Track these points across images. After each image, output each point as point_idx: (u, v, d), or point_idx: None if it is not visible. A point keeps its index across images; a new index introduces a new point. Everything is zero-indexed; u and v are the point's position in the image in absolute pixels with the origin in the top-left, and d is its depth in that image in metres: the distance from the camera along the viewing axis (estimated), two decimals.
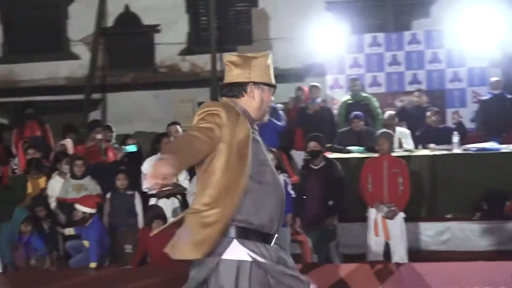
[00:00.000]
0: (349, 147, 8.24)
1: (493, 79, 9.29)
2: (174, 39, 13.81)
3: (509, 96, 9.17)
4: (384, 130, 6.71)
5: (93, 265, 6.21)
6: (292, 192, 6.42)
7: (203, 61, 13.84)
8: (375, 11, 13.19)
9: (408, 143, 8.58)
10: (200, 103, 13.80)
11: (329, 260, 6.43)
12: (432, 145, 8.01)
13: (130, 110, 13.38)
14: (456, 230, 7.69)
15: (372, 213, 6.23)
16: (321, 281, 5.32)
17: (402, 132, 8.67)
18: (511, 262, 6.23)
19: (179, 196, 6.89)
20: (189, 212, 2.90)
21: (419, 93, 9.17)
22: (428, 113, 8.49)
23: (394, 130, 8.64)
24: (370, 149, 8.07)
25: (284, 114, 8.77)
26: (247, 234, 2.81)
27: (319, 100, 9.13)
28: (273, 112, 8.67)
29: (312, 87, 9.21)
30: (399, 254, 6.14)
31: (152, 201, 6.79)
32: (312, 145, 6.31)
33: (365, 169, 6.39)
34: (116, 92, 13.88)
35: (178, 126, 7.60)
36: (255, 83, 2.97)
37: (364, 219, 6.50)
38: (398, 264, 5.95)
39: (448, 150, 7.96)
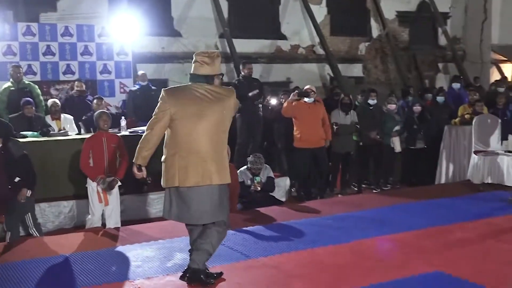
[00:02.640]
0: (22, 132, 8.39)
1: (140, 72, 10.62)
2: None
3: (154, 87, 10.67)
4: (102, 110, 7.28)
5: None
6: None
7: None
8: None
9: (73, 128, 9.22)
10: None
11: (29, 234, 6.73)
12: None
13: None
14: (129, 201, 8.75)
15: (93, 185, 6.80)
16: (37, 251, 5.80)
17: (67, 118, 9.28)
18: None
19: None
20: None
21: (79, 82, 9.85)
22: (95, 101, 9.31)
23: (59, 117, 9.21)
24: (44, 134, 8.46)
25: None
26: None
27: None
28: None
29: None
30: (115, 219, 6.91)
31: None
32: None
33: (86, 146, 6.83)
34: None
35: None
36: (217, 75, 4.52)
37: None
38: (116, 228, 6.74)
39: (118, 132, 8.92)
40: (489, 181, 8.52)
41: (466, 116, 9.51)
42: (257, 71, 15.88)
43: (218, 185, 4.49)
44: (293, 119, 8.76)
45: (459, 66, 17.73)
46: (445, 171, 9.54)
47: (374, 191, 9.96)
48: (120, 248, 5.88)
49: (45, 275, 5.13)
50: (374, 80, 17.78)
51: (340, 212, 7.25)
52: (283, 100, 10.02)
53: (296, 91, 9.01)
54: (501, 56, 18.79)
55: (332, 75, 16.82)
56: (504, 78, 17.82)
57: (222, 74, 4.71)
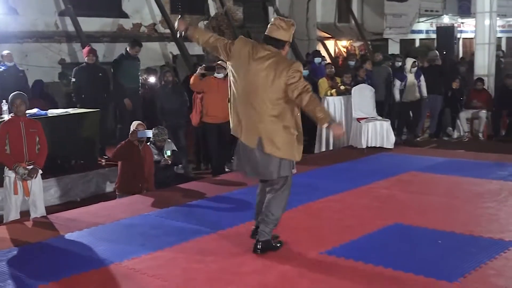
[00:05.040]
0: None
1: (6, 52, 9.74)
2: None
3: (21, 68, 9.87)
4: (19, 92, 6.56)
5: None
6: None
7: None
8: None
9: None
10: None
11: None
12: None
13: None
14: None
15: (11, 174, 6.17)
16: None
17: None
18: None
19: None
20: (286, 128, 4.61)
21: None
22: None
23: None
24: None
25: None
26: None
27: None
28: None
29: None
30: (40, 209, 6.36)
31: None
32: None
33: (2, 131, 6.15)
34: None
35: None
36: (289, 42, 4.68)
37: None
38: (45, 217, 6.25)
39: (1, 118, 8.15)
40: (372, 145, 9.41)
41: (342, 88, 10.30)
42: (100, 50, 15.25)
43: None
44: (202, 94, 8.76)
45: (291, 43, 18.79)
46: (325, 140, 10.22)
47: None
48: (71, 236, 5.53)
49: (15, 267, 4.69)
50: (214, 57, 18.09)
51: None
52: (167, 77, 9.90)
53: (204, 65, 9.00)
54: (325, 34, 20.32)
55: (174, 53, 16.84)
56: (354, 53, 19.34)
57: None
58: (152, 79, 10.53)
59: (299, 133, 4.69)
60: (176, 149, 8.33)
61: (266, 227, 4.80)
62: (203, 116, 8.82)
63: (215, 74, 8.78)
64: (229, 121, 8.80)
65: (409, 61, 11.17)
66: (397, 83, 11.05)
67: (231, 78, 4.75)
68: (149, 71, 11.37)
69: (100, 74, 9.64)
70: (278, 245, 4.93)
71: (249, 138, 4.70)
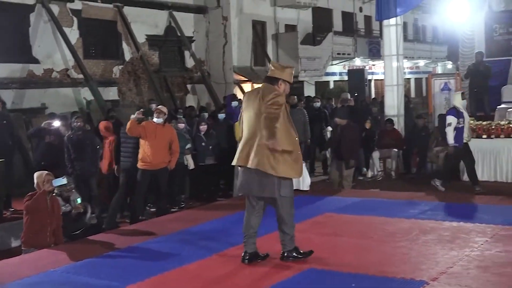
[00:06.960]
0: None
1: None
2: None
3: None
4: None
5: None
6: None
7: None
8: None
9: None
10: None
11: None
12: None
13: None
14: None
15: None
16: None
17: None
18: None
19: None
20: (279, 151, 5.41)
21: None
22: None
23: None
24: None
25: None
26: None
27: None
28: None
29: None
30: None
31: None
32: None
33: None
34: None
35: None
36: (283, 80, 5.54)
37: None
38: None
39: None
40: None
41: None
42: (9, 97, 14.75)
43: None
44: (140, 139, 8.48)
45: (208, 87, 18.90)
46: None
47: (173, 209, 10.10)
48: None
49: None
50: (129, 103, 17.90)
51: (177, 229, 7.32)
52: (77, 123, 9.57)
53: (142, 109, 8.78)
54: (241, 77, 20.53)
55: (87, 99, 16.52)
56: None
57: (290, 83, 5.74)
58: (56, 124, 10.04)
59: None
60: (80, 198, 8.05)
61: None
62: (138, 162, 8.53)
63: (154, 119, 8.56)
64: (164, 167, 8.62)
65: (458, 95, 9.49)
66: (453, 121, 9.20)
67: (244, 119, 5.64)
68: (52, 116, 10.87)
69: (5, 121, 9.22)
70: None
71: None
